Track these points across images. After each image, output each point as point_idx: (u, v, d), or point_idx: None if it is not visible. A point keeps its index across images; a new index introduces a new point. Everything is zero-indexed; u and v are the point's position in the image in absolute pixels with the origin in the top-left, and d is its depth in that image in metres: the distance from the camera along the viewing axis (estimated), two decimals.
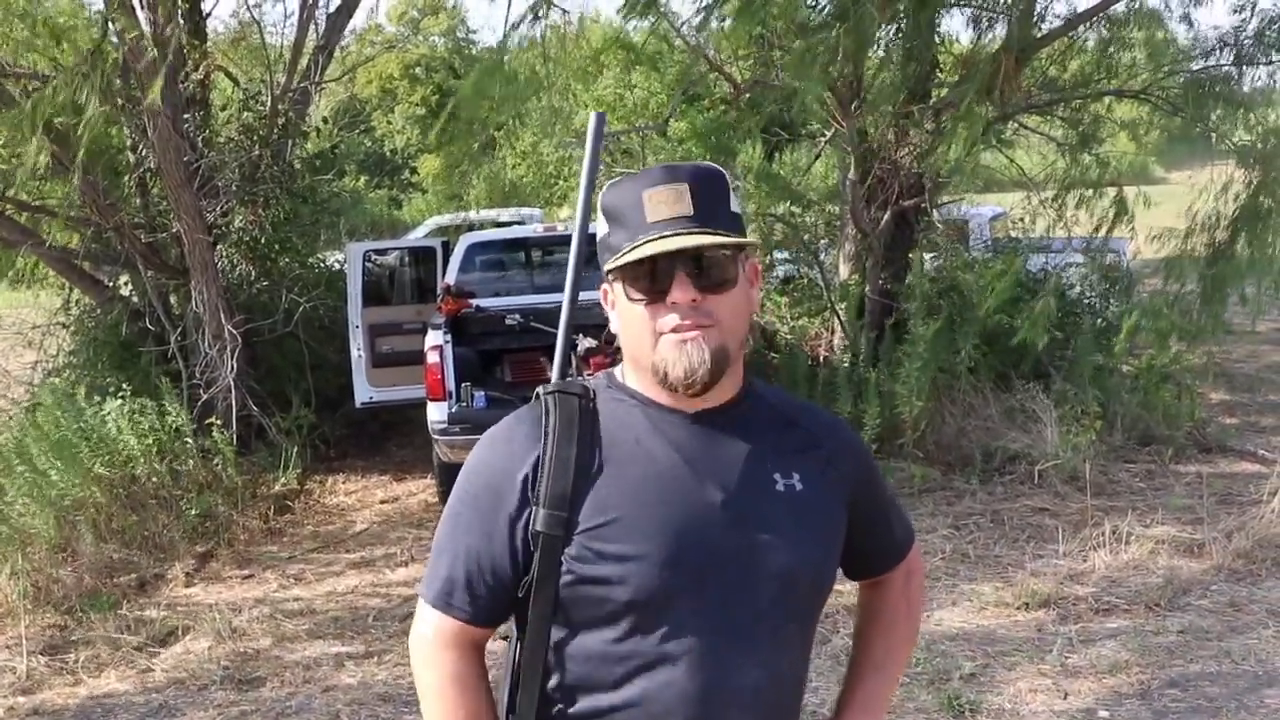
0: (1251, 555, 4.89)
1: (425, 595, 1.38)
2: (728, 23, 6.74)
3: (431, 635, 1.37)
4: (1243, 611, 4.42)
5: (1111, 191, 7.47)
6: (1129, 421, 6.57)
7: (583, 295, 1.52)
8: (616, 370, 1.41)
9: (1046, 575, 4.84)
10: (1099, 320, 7.21)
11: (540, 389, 1.37)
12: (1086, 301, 7.60)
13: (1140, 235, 7.31)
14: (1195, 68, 7.30)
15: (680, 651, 1.26)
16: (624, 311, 1.31)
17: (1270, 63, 7.03)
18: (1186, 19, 7.49)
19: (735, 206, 1.33)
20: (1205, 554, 4.96)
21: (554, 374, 1.47)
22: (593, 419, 1.33)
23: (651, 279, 1.27)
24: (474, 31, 31.05)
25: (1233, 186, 6.67)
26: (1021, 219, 8.14)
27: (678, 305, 1.26)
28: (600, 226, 1.34)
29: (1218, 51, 7.21)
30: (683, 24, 7.90)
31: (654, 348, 1.28)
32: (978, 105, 6.13)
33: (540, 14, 6.67)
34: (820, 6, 6.42)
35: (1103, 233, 7.29)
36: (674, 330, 1.26)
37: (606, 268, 1.31)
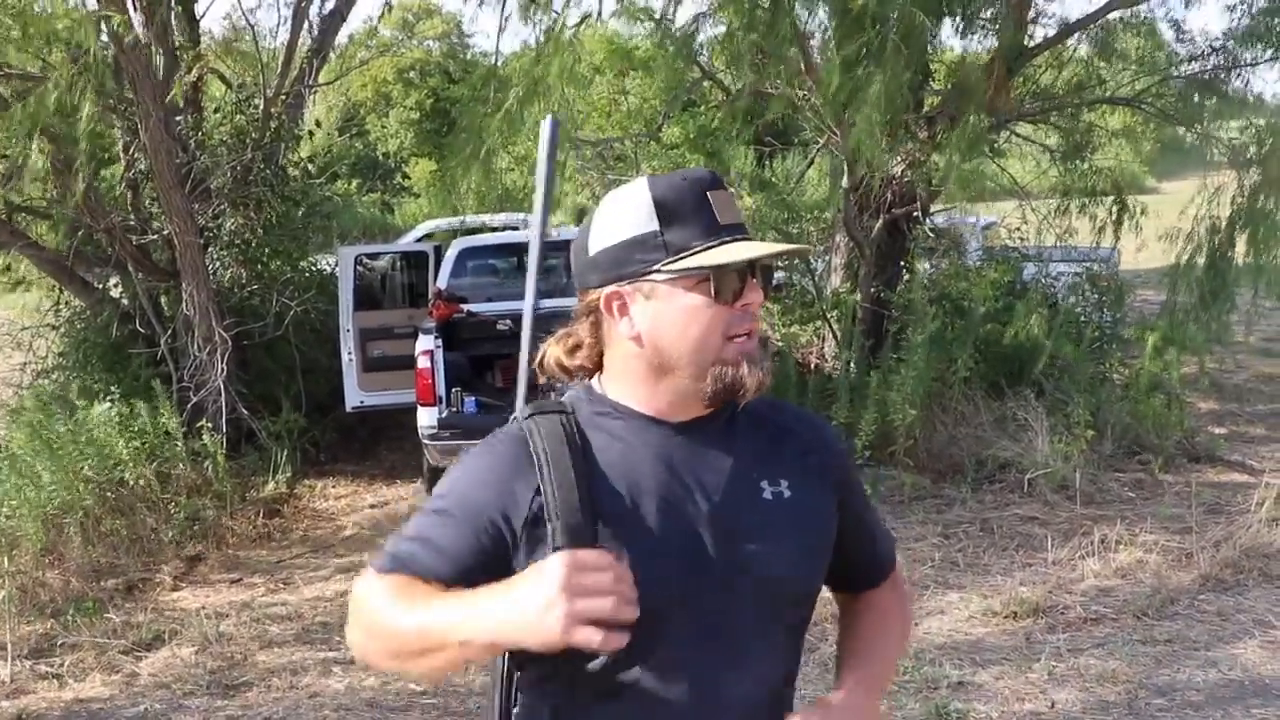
0: (1239, 565, 4.91)
1: (373, 565, 1.26)
2: (728, 33, 6.78)
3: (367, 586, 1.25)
4: (1229, 621, 4.43)
5: (1106, 200, 7.51)
6: (1119, 431, 6.59)
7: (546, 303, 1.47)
8: (594, 382, 1.37)
9: (1035, 584, 4.84)
10: (1091, 329, 7.23)
11: (518, 413, 1.32)
12: (1082, 311, 7.62)
13: (1131, 245, 7.35)
14: (1187, 71, 7.34)
15: (672, 665, 1.25)
16: (685, 314, 1.25)
17: (1258, 63, 7.06)
18: (1176, 25, 7.54)
19: None
20: (1193, 563, 4.97)
21: (521, 390, 1.40)
22: (579, 436, 1.29)
23: (735, 281, 1.25)
24: (469, 36, 31.05)
25: (1227, 190, 6.70)
26: (1017, 228, 8.17)
27: (749, 308, 1.26)
28: (640, 223, 1.26)
29: (1208, 56, 7.24)
30: (677, 30, 7.92)
31: (720, 350, 1.25)
32: (975, 117, 6.16)
33: (563, 30, 6.72)
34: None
35: (1106, 237, 7.33)
36: (746, 334, 1.25)
37: (682, 265, 1.23)
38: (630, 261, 1.26)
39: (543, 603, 1.06)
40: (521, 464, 1.26)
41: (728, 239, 1.24)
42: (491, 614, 1.11)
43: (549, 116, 1.39)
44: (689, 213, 1.25)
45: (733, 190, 1.33)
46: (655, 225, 1.25)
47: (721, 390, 1.26)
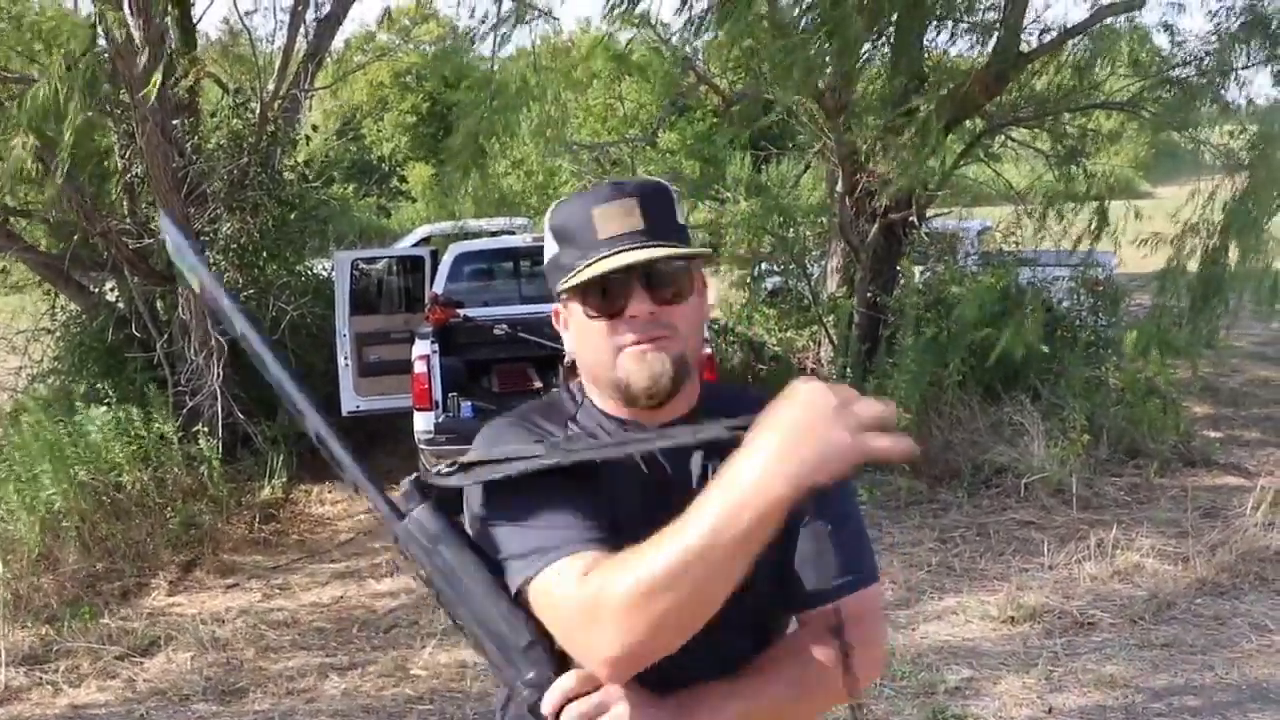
0: (1235, 569, 4.92)
1: (533, 566, 1.16)
2: (716, 35, 6.79)
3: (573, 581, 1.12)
4: (1226, 625, 4.44)
5: (1092, 205, 7.52)
6: (1114, 435, 6.60)
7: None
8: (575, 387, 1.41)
9: (1032, 588, 4.85)
10: (1087, 333, 7.24)
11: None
12: (1074, 315, 7.63)
13: (1126, 248, 7.36)
14: (1180, 75, 7.36)
15: (644, 675, 1.20)
16: (581, 329, 1.30)
17: (1250, 65, 7.08)
18: (1170, 29, 7.56)
19: (681, 219, 1.34)
20: (1189, 567, 4.98)
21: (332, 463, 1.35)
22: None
23: (608, 295, 1.27)
24: (472, 42, 31.03)
25: (1220, 194, 6.72)
26: (1012, 232, 8.18)
27: (636, 319, 1.26)
28: (549, 247, 1.33)
29: (1201, 60, 7.26)
30: (671, 35, 7.94)
31: (614, 363, 1.27)
32: (938, 121, 6.19)
33: (522, 20, 6.71)
34: (805, 12, 6.44)
35: (1085, 245, 7.34)
36: (634, 344, 1.26)
37: (560, 287, 1.30)
38: (553, 283, 1.33)
39: (826, 419, 0.98)
40: (531, 428, 1.33)
41: (606, 253, 1.25)
42: (773, 466, 0.99)
43: (161, 216, 1.47)
44: (575, 232, 1.29)
45: (631, 199, 1.32)
46: (556, 248, 1.32)
47: (621, 396, 1.30)
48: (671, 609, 1.05)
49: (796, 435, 0.98)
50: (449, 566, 1.16)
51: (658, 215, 1.28)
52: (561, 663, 1.14)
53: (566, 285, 1.28)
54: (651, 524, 1.21)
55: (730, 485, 1.02)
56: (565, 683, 1.12)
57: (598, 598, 1.08)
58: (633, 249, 1.25)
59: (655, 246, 1.26)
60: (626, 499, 1.27)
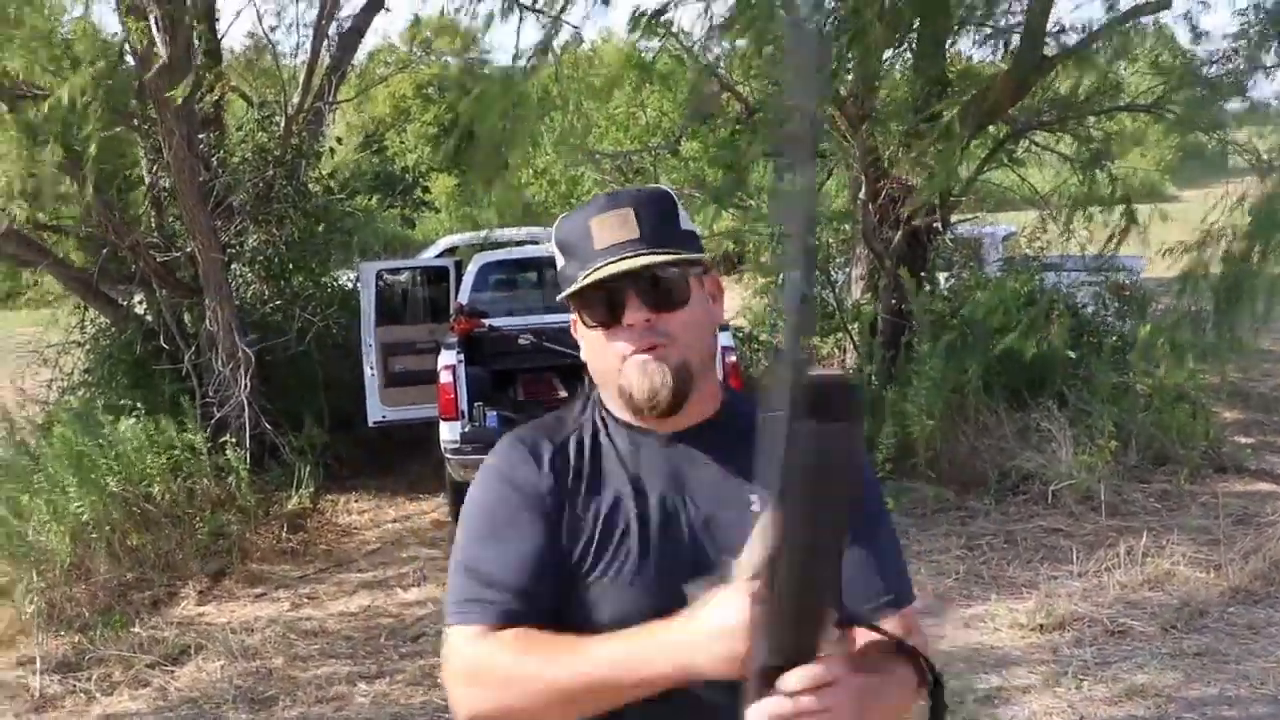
0: (1269, 576, 4.86)
1: (455, 617, 1.25)
2: (735, 44, 6.80)
3: (463, 647, 1.22)
4: (1260, 634, 4.39)
5: (1118, 210, 7.45)
6: (1143, 441, 6.54)
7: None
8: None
9: (1061, 596, 4.80)
10: (1114, 339, 7.18)
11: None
12: (1101, 320, 7.57)
13: (1153, 253, 7.29)
14: (1208, 74, 7.28)
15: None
16: (585, 339, 1.33)
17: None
18: (1195, 29, 7.48)
19: (686, 224, 1.34)
20: (1221, 575, 4.91)
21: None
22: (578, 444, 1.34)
23: (604, 304, 1.28)
24: (487, 52, 31.20)
25: (1248, 196, 6.64)
26: (1037, 238, 8.13)
27: (633, 327, 1.27)
28: (557, 260, 1.36)
29: (1227, 59, 7.18)
30: (694, 44, 7.94)
31: (618, 372, 1.28)
32: (962, 126, 6.16)
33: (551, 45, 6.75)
34: (825, 19, 6.43)
35: (1113, 247, 7.27)
36: (633, 353, 1.27)
37: (559, 297, 1.34)
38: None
39: (720, 630, 1.01)
40: (526, 451, 1.33)
41: (601, 263, 1.27)
42: (675, 642, 1.06)
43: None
44: (575, 244, 1.31)
45: (626, 209, 1.32)
46: (561, 261, 1.34)
47: (627, 405, 1.30)
48: (542, 706, 1.14)
49: (705, 630, 1.03)
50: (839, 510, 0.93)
51: (654, 222, 1.29)
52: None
53: (563, 296, 1.32)
54: (660, 515, 1.26)
55: (661, 642, 1.07)
56: (824, 674, 0.95)
57: (485, 663, 1.19)
58: (624, 258, 1.26)
59: (649, 254, 1.26)
60: (640, 493, 1.28)
